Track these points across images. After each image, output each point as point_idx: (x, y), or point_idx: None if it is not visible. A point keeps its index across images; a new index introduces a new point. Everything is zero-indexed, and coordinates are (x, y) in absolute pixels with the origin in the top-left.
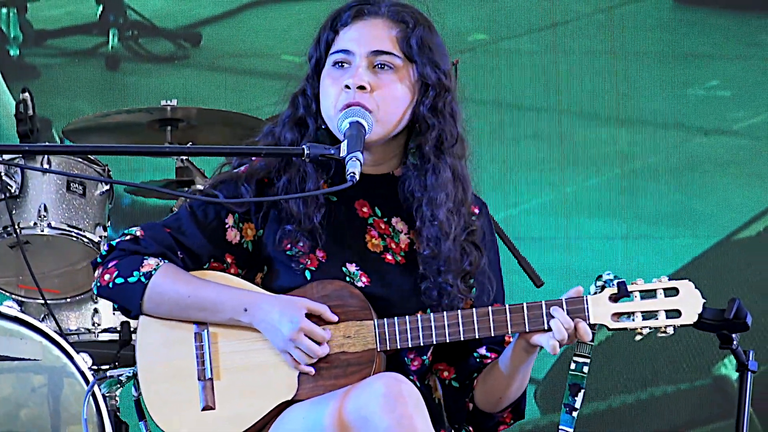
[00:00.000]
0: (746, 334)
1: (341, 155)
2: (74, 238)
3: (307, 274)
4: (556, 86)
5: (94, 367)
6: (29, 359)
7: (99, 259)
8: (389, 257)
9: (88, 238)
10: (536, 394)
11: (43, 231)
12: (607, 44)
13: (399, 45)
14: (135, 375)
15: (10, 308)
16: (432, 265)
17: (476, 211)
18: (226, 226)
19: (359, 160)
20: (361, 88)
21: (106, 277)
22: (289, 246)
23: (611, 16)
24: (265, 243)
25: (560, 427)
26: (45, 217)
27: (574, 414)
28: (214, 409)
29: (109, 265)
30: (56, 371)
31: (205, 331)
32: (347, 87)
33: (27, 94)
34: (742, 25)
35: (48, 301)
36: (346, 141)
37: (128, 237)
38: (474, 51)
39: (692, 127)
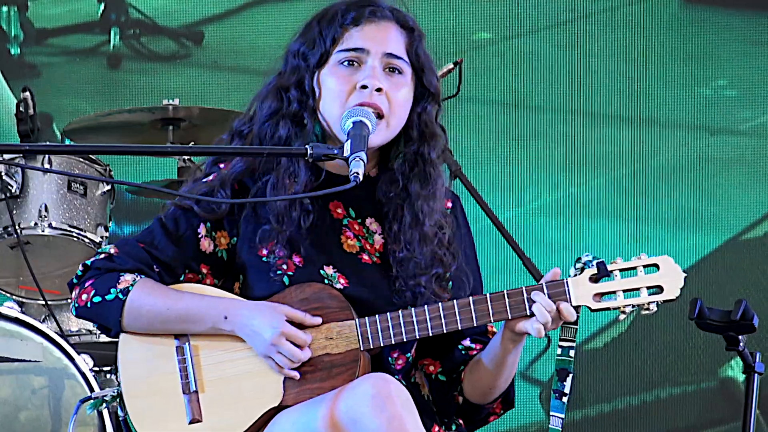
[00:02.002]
0: (753, 335)
1: (345, 155)
2: (75, 239)
3: (285, 280)
4: (560, 86)
5: (95, 369)
6: (30, 361)
7: (75, 280)
8: (365, 257)
9: (89, 239)
10: (541, 396)
11: (43, 231)
12: (612, 43)
13: (407, 52)
14: (120, 394)
15: (11, 309)
16: (406, 267)
17: (449, 205)
18: (199, 236)
19: (363, 161)
20: (379, 90)
21: (84, 297)
22: (265, 252)
23: (617, 15)
24: (239, 249)
25: (551, 413)
26: (46, 217)
27: (564, 399)
28: (201, 421)
29: (86, 284)
30: (57, 373)
31: (187, 344)
32: (363, 87)
33: (28, 93)
34: (750, 24)
35: (49, 302)
36: (349, 141)
37: (102, 255)
38: (478, 50)
39: (699, 126)
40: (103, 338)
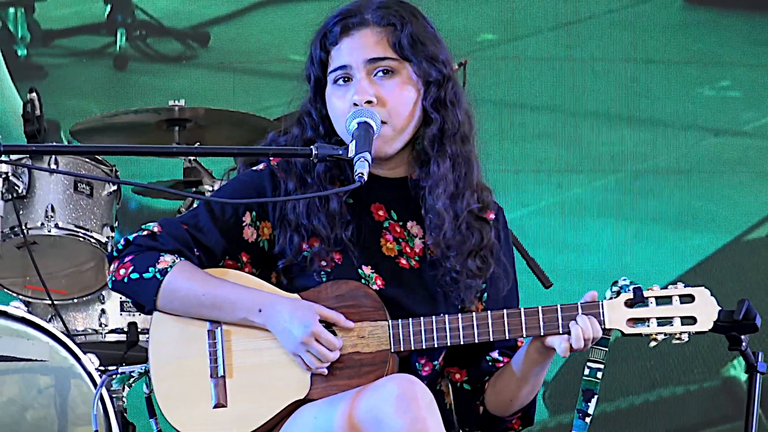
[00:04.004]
0: (756, 335)
1: (349, 156)
2: (81, 239)
3: (323, 276)
4: (565, 86)
5: (101, 368)
6: (36, 360)
7: (115, 253)
8: (403, 261)
9: (95, 239)
10: (545, 396)
11: (50, 231)
12: (616, 44)
13: (391, 47)
14: (147, 371)
15: (17, 309)
16: (441, 248)
17: (492, 216)
18: (243, 224)
19: (367, 161)
20: (368, 102)
21: (122, 271)
22: (306, 247)
23: (621, 17)
24: (280, 244)
25: None
26: (52, 217)
27: (587, 420)
28: (225, 406)
29: (125, 259)
30: (63, 372)
31: (219, 328)
32: (355, 105)
33: (34, 94)
34: (753, 25)
35: (55, 302)
36: (354, 142)
37: (145, 232)
38: (483, 51)
39: (702, 127)
40: (110, 338)
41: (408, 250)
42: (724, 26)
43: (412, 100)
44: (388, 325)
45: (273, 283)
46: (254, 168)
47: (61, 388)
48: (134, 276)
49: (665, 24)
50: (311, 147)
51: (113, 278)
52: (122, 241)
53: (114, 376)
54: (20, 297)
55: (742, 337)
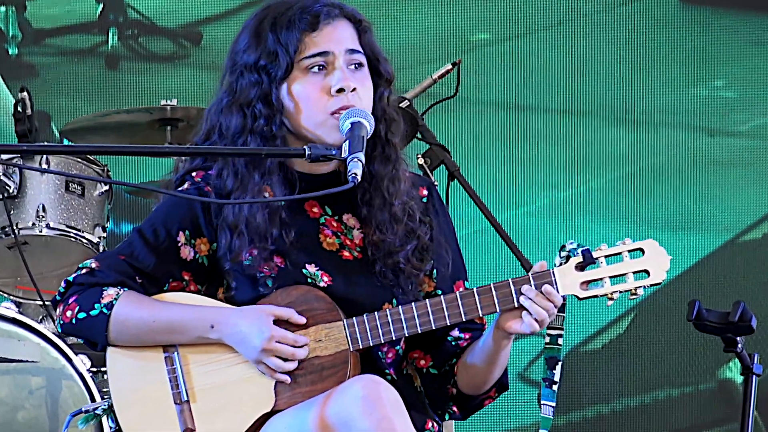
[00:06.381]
0: (751, 337)
1: (343, 156)
2: (73, 239)
3: (269, 283)
4: (559, 86)
5: (93, 369)
6: (27, 361)
7: (58, 297)
8: (346, 254)
9: (86, 239)
10: (537, 398)
11: (41, 231)
12: (610, 44)
13: (361, 44)
14: (111, 407)
15: (8, 309)
16: (381, 249)
17: (425, 192)
18: (179, 244)
19: (361, 161)
20: (353, 90)
21: (68, 313)
22: (246, 256)
23: (615, 15)
24: (220, 257)
25: (542, 401)
26: (43, 217)
27: (555, 387)
28: (194, 431)
29: (70, 301)
30: (54, 373)
31: (175, 353)
32: (339, 90)
33: (25, 93)
34: (748, 24)
35: (46, 302)
36: (347, 141)
37: (84, 270)
38: (476, 51)
39: (697, 127)
40: None
41: (348, 242)
42: (718, 26)
43: (372, 97)
44: (344, 325)
45: (219, 298)
46: (180, 189)
47: (52, 389)
48: (81, 315)
49: (659, 23)
50: (304, 147)
51: (61, 321)
52: (63, 284)
53: (78, 415)
54: (11, 298)
55: (738, 338)
